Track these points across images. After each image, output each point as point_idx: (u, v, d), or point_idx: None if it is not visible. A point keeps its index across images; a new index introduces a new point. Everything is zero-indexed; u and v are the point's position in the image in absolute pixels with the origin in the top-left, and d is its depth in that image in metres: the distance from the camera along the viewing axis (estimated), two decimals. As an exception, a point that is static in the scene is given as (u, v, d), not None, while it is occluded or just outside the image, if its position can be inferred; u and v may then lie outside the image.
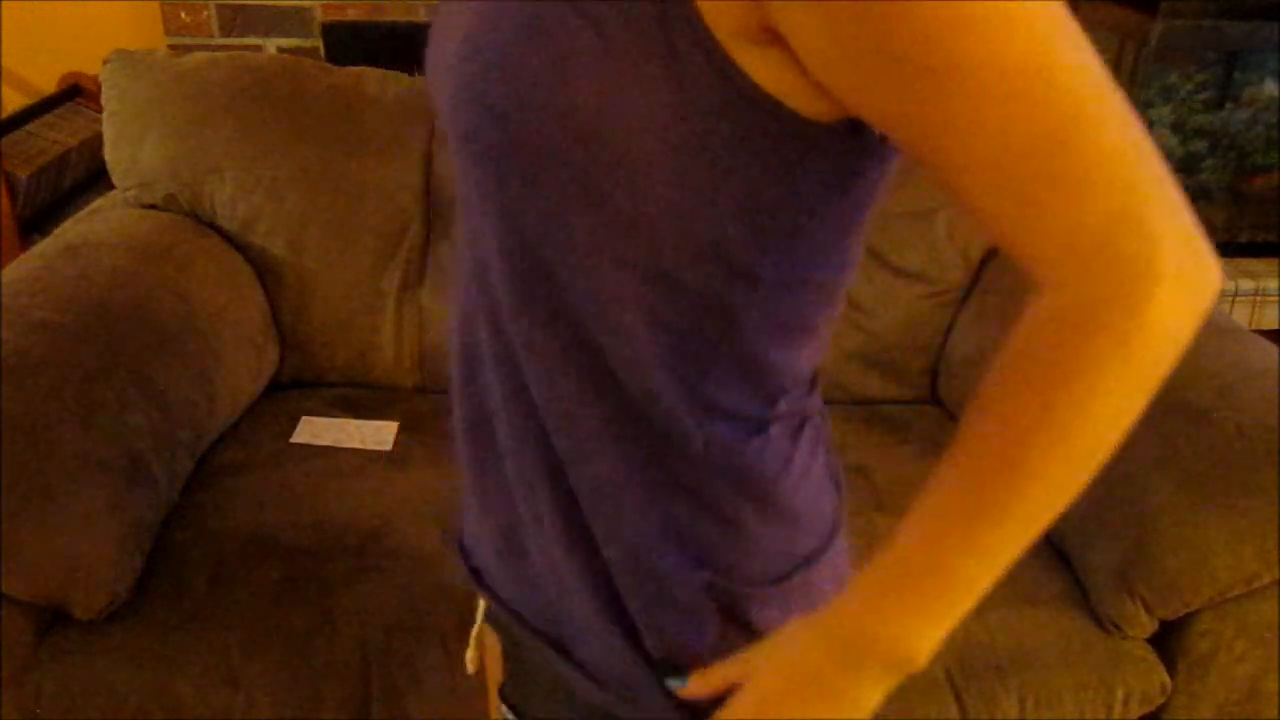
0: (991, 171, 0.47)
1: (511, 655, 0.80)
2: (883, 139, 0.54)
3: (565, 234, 0.56)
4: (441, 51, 0.60)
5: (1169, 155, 2.56)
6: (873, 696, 0.57)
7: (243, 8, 2.46)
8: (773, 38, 0.48)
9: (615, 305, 0.57)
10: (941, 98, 0.46)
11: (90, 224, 1.66)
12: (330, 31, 2.48)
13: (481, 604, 0.82)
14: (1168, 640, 1.32)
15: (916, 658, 0.55)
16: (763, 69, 0.49)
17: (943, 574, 0.53)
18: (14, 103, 2.53)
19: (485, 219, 0.59)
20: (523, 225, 0.57)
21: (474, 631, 0.85)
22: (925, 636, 0.54)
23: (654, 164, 0.52)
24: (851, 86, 0.48)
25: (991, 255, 1.79)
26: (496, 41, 0.53)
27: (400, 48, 2.47)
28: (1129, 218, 0.46)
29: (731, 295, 0.57)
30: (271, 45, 2.51)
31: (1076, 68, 0.46)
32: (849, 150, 0.53)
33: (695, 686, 0.63)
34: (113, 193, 1.78)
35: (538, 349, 0.60)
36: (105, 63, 1.74)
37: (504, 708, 0.82)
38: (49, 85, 2.56)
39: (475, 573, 0.76)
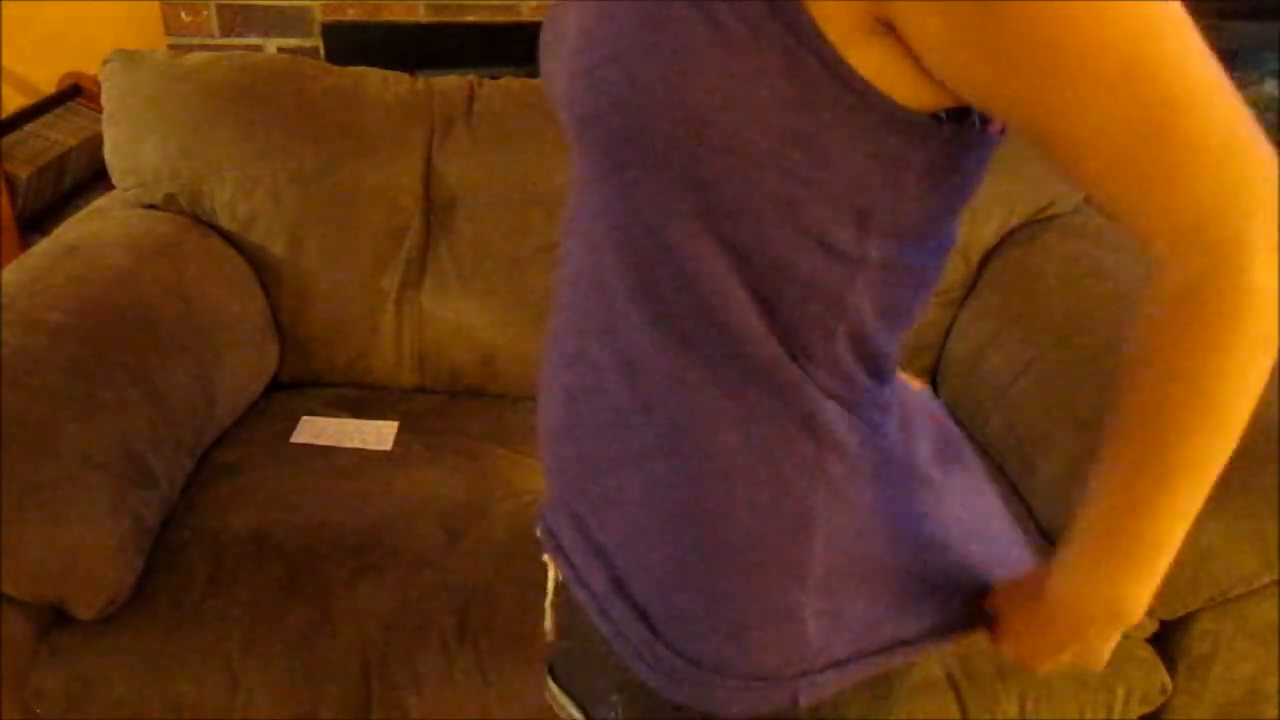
0: (1098, 155, 0.51)
1: (566, 631, 0.81)
2: (983, 130, 0.57)
3: (675, 217, 0.59)
4: (558, 46, 0.63)
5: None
6: (1104, 645, 0.67)
7: (243, 8, 2.46)
8: (885, 30, 0.51)
9: (724, 287, 0.60)
10: (1048, 87, 0.50)
11: (90, 224, 1.66)
12: (330, 31, 2.48)
13: (551, 577, 0.83)
14: (1168, 640, 1.32)
15: (1135, 612, 0.63)
16: (868, 61, 0.52)
17: (1139, 541, 0.60)
18: (14, 103, 2.53)
19: (600, 203, 0.63)
20: (635, 208, 0.60)
21: (548, 601, 0.86)
22: (1138, 594, 0.62)
23: (762, 153, 0.55)
24: (965, 77, 0.51)
25: (991, 255, 1.80)
26: (615, 33, 0.56)
27: (400, 48, 2.48)
28: (1225, 196, 0.50)
29: (837, 278, 0.60)
30: (271, 45, 2.50)
31: (1178, 56, 0.49)
32: (949, 140, 0.56)
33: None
34: (113, 193, 1.78)
35: (651, 328, 0.63)
36: (105, 63, 1.74)
37: (552, 684, 0.83)
38: (49, 85, 2.56)
39: (554, 542, 0.77)
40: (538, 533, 0.80)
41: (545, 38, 0.68)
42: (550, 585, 0.84)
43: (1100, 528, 0.61)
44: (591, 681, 0.78)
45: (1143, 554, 0.60)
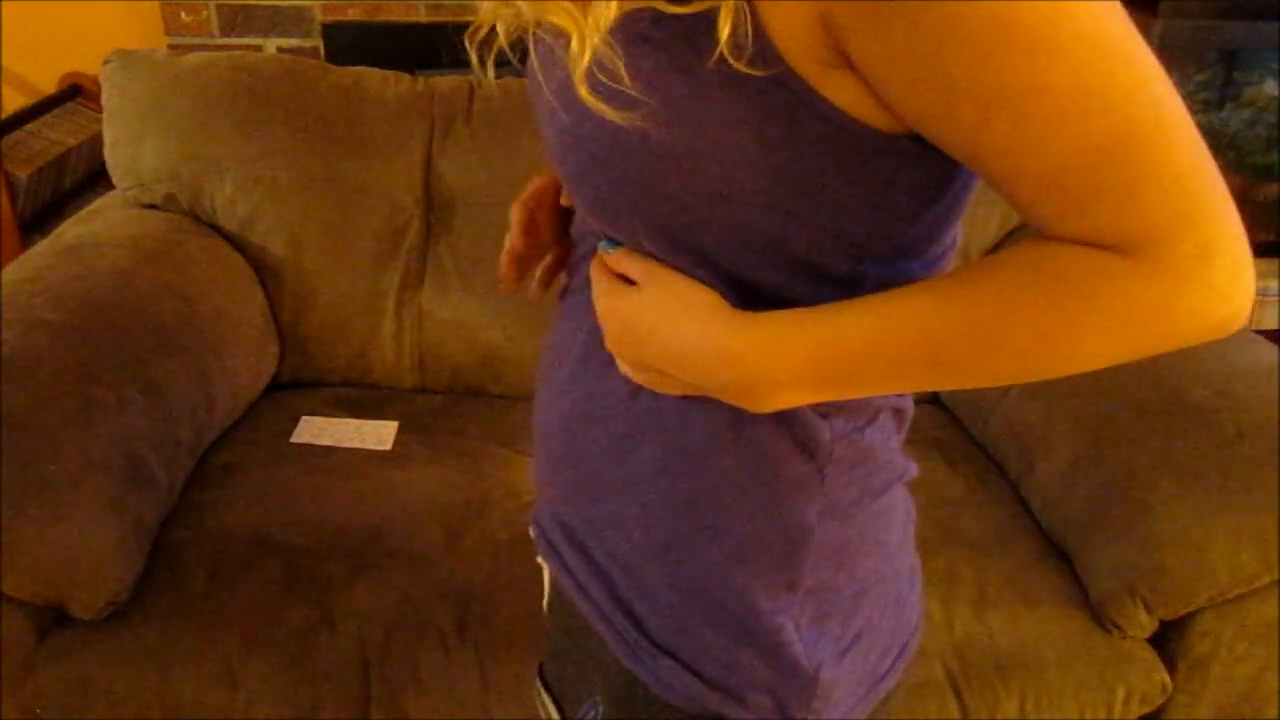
0: (1042, 184, 0.48)
1: (557, 631, 0.82)
2: None
3: (668, 256, 0.59)
4: (542, 93, 0.62)
5: (1169, 155, 2.56)
6: (711, 391, 0.59)
7: (243, 8, 2.46)
8: (846, 62, 0.50)
9: None
10: (992, 120, 0.47)
11: (90, 224, 1.66)
12: (330, 31, 2.48)
13: (548, 579, 0.83)
14: (1168, 640, 1.32)
15: (766, 404, 0.57)
16: (842, 90, 0.51)
17: (856, 358, 0.54)
18: (14, 103, 2.53)
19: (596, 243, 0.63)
20: (631, 249, 0.61)
21: (545, 603, 0.86)
22: (790, 393, 0.57)
23: (749, 194, 0.55)
24: (910, 108, 0.50)
25: (991, 255, 1.79)
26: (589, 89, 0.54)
27: (400, 48, 2.48)
28: (1185, 222, 0.47)
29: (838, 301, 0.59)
30: (271, 45, 2.51)
31: (1130, 85, 0.46)
32: (935, 158, 0.54)
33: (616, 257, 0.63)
34: (113, 193, 1.78)
35: None
36: (105, 63, 1.74)
37: (540, 687, 0.83)
38: (49, 85, 2.56)
39: (548, 544, 0.77)
40: (530, 533, 0.80)
41: (530, 78, 0.67)
42: (546, 586, 0.84)
43: (851, 323, 0.54)
44: (576, 681, 0.78)
45: (849, 376, 0.55)
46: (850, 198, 0.55)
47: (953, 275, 0.53)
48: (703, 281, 0.59)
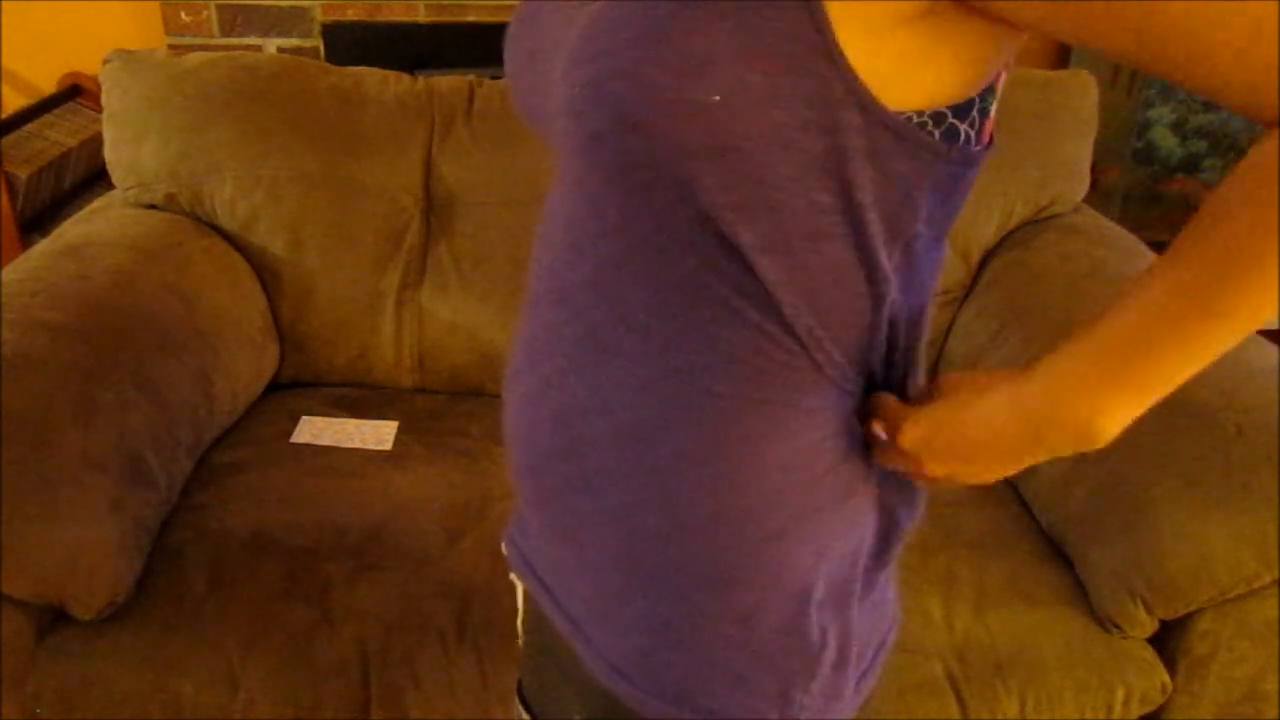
0: (1238, 57, 0.47)
1: (533, 647, 0.81)
2: (979, 147, 0.57)
3: (680, 241, 0.57)
4: (540, 52, 0.59)
5: (1169, 155, 2.56)
6: (1042, 459, 0.60)
7: (243, 8, 2.46)
8: (920, 17, 0.50)
9: (735, 307, 0.59)
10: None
11: (90, 224, 1.66)
12: (330, 31, 2.48)
13: (521, 593, 0.82)
14: (1168, 640, 1.32)
15: (1101, 436, 0.57)
16: (873, 64, 0.51)
17: (1146, 357, 0.54)
18: (14, 103, 2.53)
19: (610, 219, 0.60)
20: (643, 230, 0.58)
21: (519, 619, 0.85)
22: (1114, 416, 0.56)
23: (785, 180, 0.53)
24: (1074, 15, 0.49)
25: (991, 255, 1.79)
26: (623, 43, 0.51)
27: (400, 48, 2.48)
28: None
29: (861, 304, 0.60)
30: (271, 45, 2.51)
31: None
32: (951, 160, 0.56)
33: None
34: (113, 193, 1.78)
35: (643, 358, 0.61)
36: (105, 63, 1.74)
37: (519, 703, 0.83)
38: (49, 85, 2.56)
39: (522, 559, 0.77)
40: (503, 549, 0.79)
41: (519, 45, 0.64)
42: (520, 603, 0.83)
43: (1113, 331, 0.55)
44: (554, 698, 0.77)
45: (1146, 374, 0.54)
46: (880, 194, 0.55)
47: (1177, 237, 0.52)
48: (713, 272, 0.58)
